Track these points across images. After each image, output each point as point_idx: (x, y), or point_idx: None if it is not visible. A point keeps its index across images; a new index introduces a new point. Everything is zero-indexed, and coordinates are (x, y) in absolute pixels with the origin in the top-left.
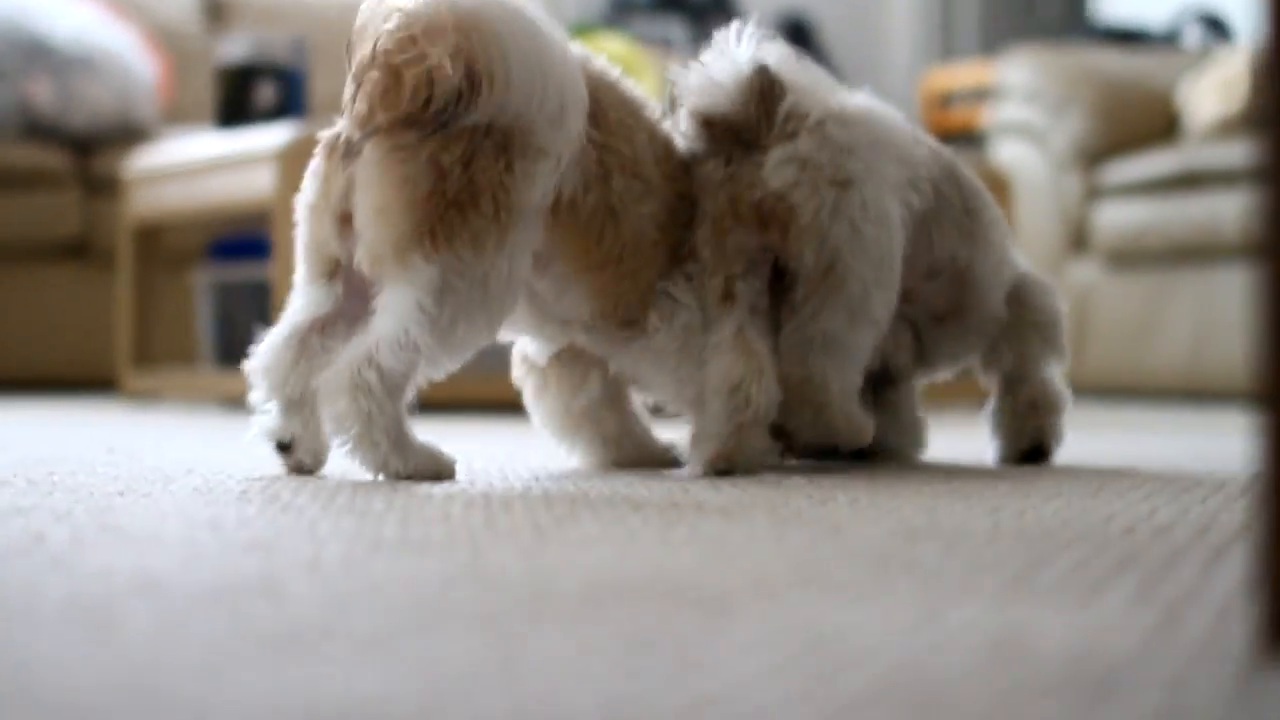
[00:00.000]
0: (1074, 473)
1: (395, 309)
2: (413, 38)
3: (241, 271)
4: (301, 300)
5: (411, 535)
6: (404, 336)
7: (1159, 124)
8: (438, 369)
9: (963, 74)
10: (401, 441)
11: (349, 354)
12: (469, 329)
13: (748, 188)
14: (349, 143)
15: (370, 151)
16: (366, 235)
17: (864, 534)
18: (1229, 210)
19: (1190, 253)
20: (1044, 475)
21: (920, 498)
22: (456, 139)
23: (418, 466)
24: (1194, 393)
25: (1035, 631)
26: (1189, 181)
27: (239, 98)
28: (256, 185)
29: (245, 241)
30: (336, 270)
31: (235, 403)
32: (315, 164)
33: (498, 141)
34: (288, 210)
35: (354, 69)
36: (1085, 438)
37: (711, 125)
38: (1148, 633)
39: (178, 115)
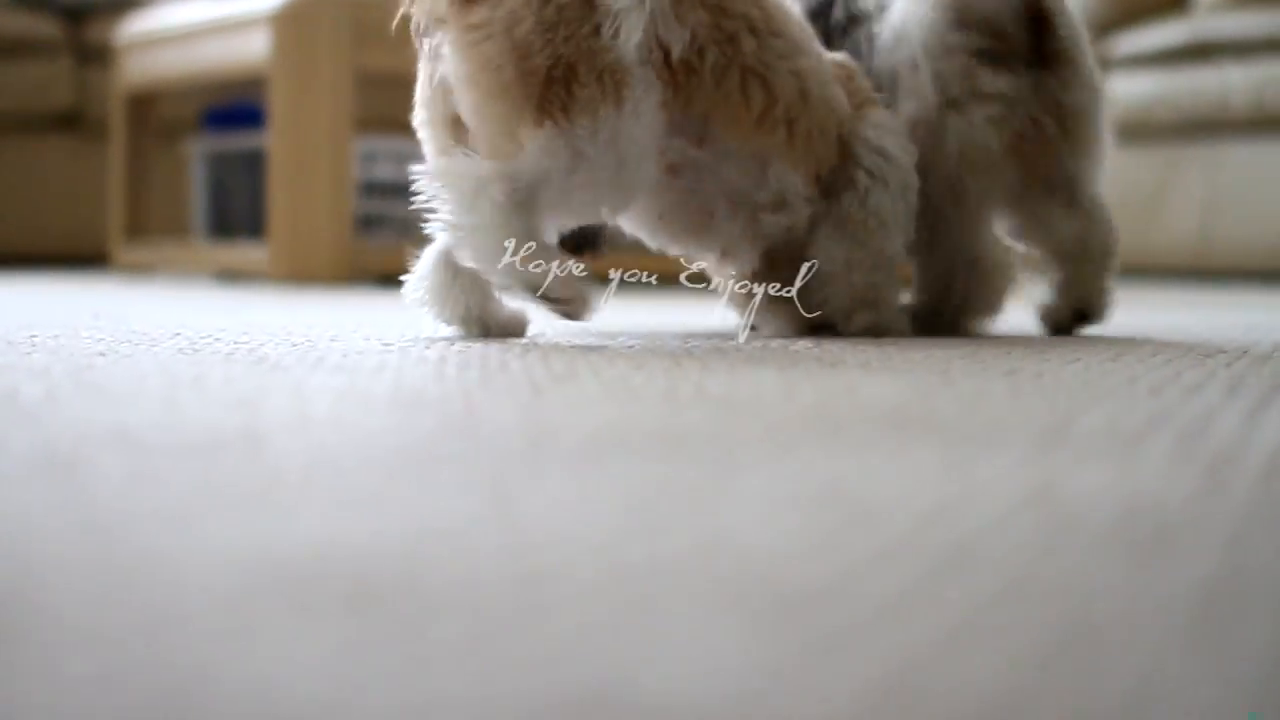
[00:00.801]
0: (1089, 340)
1: (526, 164)
2: None
3: (236, 140)
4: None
5: (404, 392)
6: (534, 179)
7: None
8: (553, 220)
9: None
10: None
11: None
12: (596, 194)
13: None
14: (425, 42)
15: (451, 47)
16: (477, 131)
17: (878, 393)
18: (1240, 82)
19: (1199, 126)
20: (1058, 342)
21: (932, 360)
22: (524, 5)
23: (509, 284)
24: (1201, 270)
25: (1072, 486)
26: (1199, 53)
27: None
28: (252, 50)
29: (240, 109)
30: None
31: (229, 275)
32: (420, 75)
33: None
34: (283, 75)
35: None
36: None
37: (968, 26)
38: (1194, 490)
39: None
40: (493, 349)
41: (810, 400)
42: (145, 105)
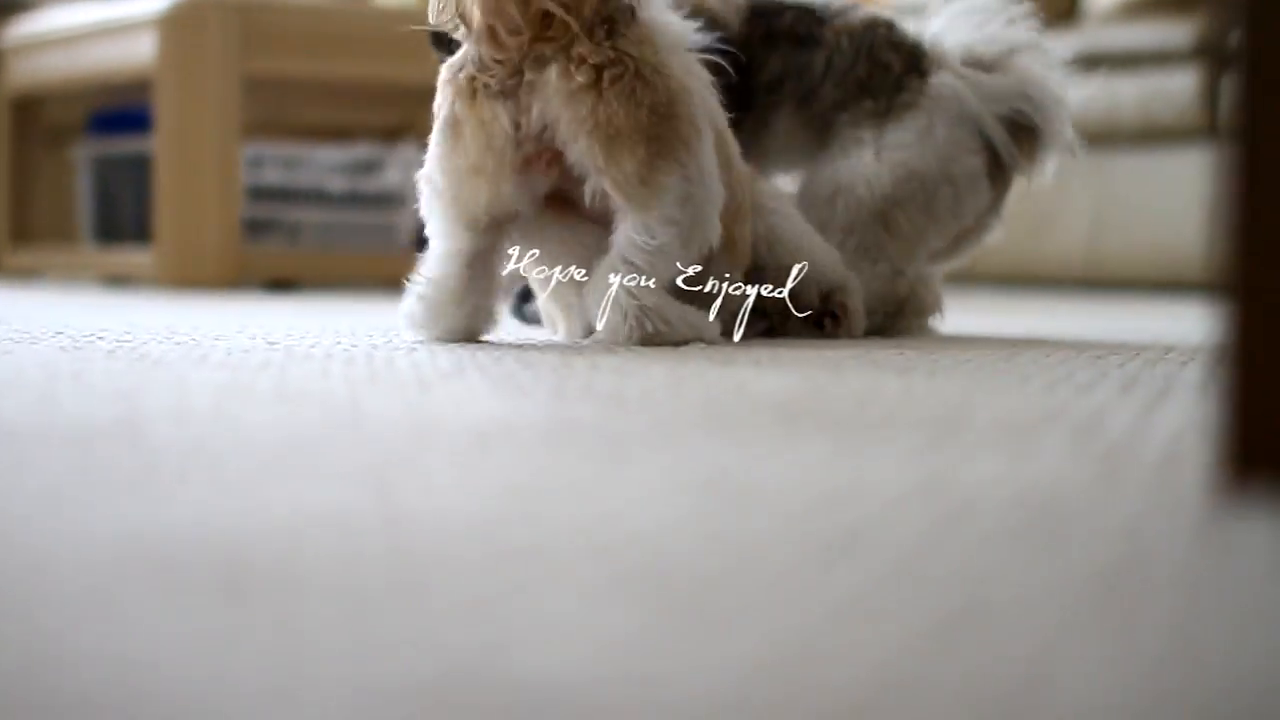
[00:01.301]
0: (981, 342)
1: (641, 225)
2: None
3: (122, 144)
4: (453, 245)
5: (288, 388)
6: (649, 243)
7: (1059, 4)
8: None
9: None
10: (662, 310)
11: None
12: (706, 227)
13: None
14: (509, 80)
15: (560, 82)
16: (608, 170)
17: (768, 388)
18: (1129, 94)
19: (1089, 137)
20: (950, 344)
21: (824, 361)
22: (644, 43)
23: (678, 328)
24: (1091, 281)
25: (964, 476)
26: (1089, 64)
27: None
28: (139, 53)
29: (126, 113)
30: (491, 220)
31: (116, 279)
32: (463, 114)
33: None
34: (170, 79)
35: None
36: (987, 318)
37: None
38: (1089, 481)
39: None
40: (380, 348)
41: (699, 396)
42: (31, 109)
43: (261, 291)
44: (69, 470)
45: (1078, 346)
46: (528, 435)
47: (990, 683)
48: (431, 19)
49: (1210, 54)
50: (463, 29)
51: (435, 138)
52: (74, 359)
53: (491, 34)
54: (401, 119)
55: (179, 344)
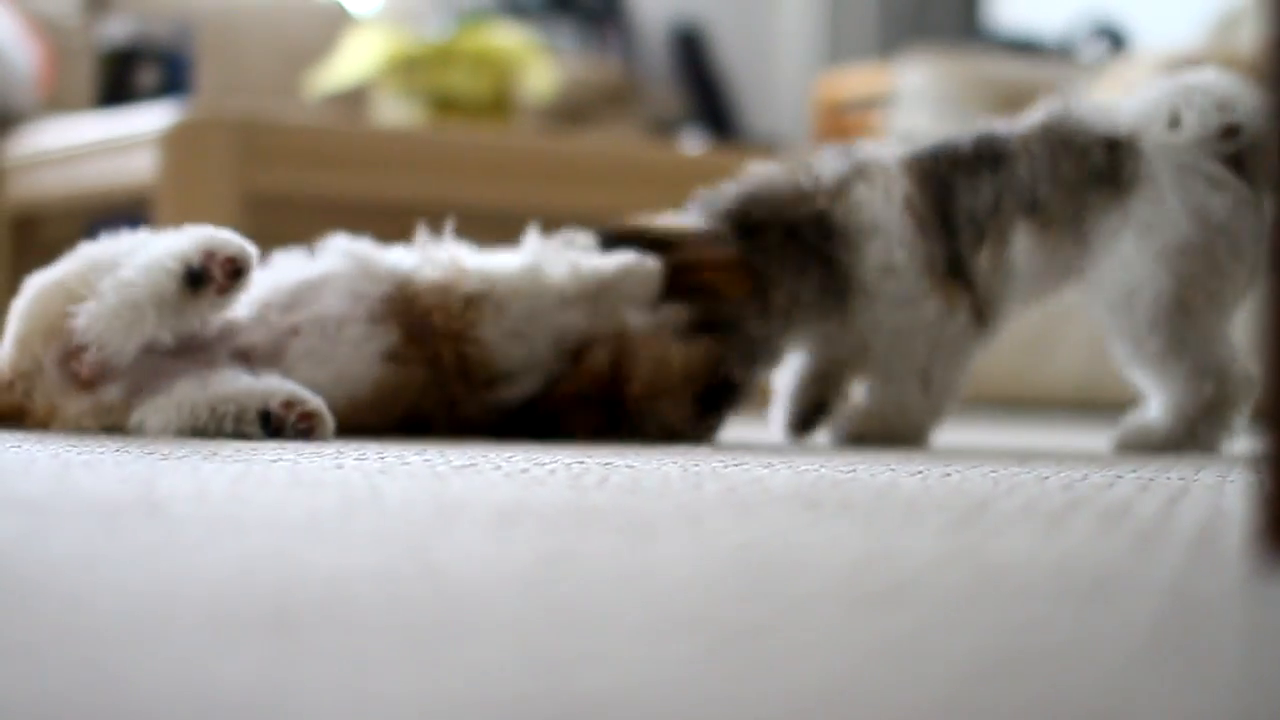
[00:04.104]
0: (993, 450)
1: None
2: None
3: None
4: None
5: (303, 477)
6: None
7: None
8: None
9: (855, 80)
10: None
11: None
12: None
13: None
14: None
15: None
16: None
17: (785, 481)
18: None
19: None
20: (962, 451)
21: (835, 464)
22: None
23: None
24: (1089, 404)
25: (996, 548)
26: None
27: (121, 81)
28: (137, 169)
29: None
30: None
31: None
32: None
33: None
34: (169, 195)
35: None
36: (987, 436)
37: None
38: (1123, 554)
39: (58, 105)
40: (389, 450)
41: (718, 486)
42: (30, 226)
43: None
44: (96, 538)
45: (1086, 457)
46: (552, 515)
47: (1059, 713)
48: None
49: None
50: None
51: None
52: (83, 450)
53: None
54: (401, 237)
55: (185, 443)
